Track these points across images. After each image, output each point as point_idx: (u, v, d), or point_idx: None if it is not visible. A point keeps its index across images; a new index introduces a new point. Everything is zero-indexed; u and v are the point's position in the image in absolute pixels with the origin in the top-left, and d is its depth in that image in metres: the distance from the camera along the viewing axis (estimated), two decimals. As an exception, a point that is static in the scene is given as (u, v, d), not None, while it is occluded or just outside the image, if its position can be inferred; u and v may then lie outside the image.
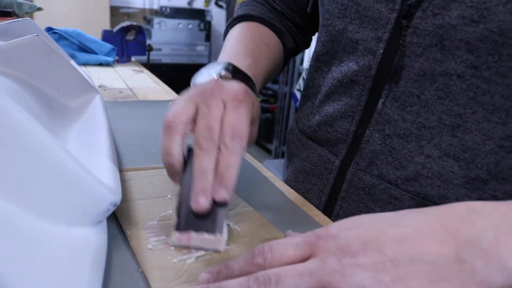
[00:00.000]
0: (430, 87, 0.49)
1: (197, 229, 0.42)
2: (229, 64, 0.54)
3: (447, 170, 0.50)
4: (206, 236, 0.42)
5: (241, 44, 0.66)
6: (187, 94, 0.48)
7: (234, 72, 0.54)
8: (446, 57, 0.47)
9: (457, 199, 0.50)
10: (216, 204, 0.43)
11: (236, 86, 0.48)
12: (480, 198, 0.49)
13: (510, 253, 0.31)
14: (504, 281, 0.31)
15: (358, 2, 0.54)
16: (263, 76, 0.65)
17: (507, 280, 0.31)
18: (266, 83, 0.70)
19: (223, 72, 0.53)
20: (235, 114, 0.45)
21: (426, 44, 0.48)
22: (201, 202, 0.42)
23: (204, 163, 0.43)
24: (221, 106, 0.46)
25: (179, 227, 0.43)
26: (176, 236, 0.43)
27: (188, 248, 0.43)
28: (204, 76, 0.54)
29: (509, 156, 0.47)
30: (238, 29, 0.71)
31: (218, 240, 0.42)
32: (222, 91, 0.47)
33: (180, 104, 0.46)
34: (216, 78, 0.52)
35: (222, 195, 0.42)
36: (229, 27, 0.75)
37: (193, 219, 0.43)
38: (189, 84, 0.55)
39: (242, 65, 0.57)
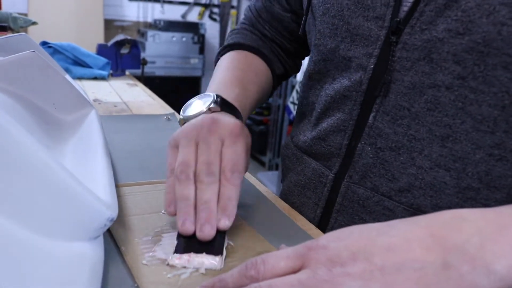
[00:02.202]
0: (420, 99, 0.50)
1: (198, 251, 0.44)
2: (218, 96, 0.57)
3: (439, 181, 0.51)
4: (205, 257, 0.44)
5: (230, 73, 0.69)
6: (185, 132, 0.51)
7: (223, 105, 0.57)
8: (434, 70, 0.48)
9: (450, 208, 0.50)
10: (217, 232, 0.46)
11: (232, 122, 0.52)
12: (472, 207, 0.50)
13: (496, 257, 0.32)
14: (491, 285, 0.32)
15: (349, 22, 0.55)
16: (250, 105, 0.67)
17: (494, 284, 0.32)
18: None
19: (212, 105, 0.56)
20: (233, 149, 0.50)
21: (415, 58, 0.50)
22: (206, 231, 0.45)
23: (207, 195, 0.46)
24: (219, 142, 0.50)
25: (179, 250, 0.45)
26: (176, 257, 0.44)
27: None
28: (194, 108, 0.57)
29: (499, 164, 0.48)
30: (227, 58, 0.74)
31: (216, 261, 0.44)
32: (218, 127, 0.51)
33: (185, 149, 0.49)
34: (205, 111, 0.55)
35: (225, 224, 0.46)
36: (219, 54, 0.78)
37: (193, 242, 0.45)
38: (182, 97, 0.57)
39: (230, 95, 0.60)
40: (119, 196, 0.56)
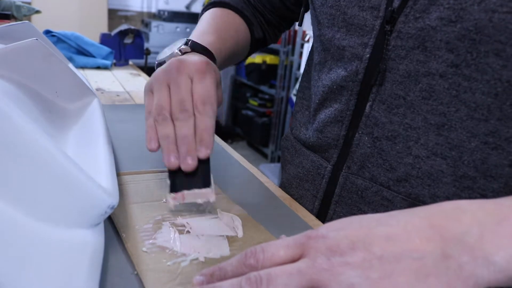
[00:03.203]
0: (415, 88, 0.50)
1: (189, 187, 0.50)
2: (189, 40, 0.60)
3: (436, 169, 0.51)
4: (197, 191, 0.50)
5: (209, 24, 0.71)
6: (157, 77, 0.54)
7: (193, 46, 0.60)
8: (428, 58, 0.49)
9: (448, 198, 0.51)
10: (200, 162, 0.50)
11: (198, 60, 0.54)
12: (470, 197, 0.50)
13: (495, 248, 0.32)
14: (490, 276, 0.32)
15: (345, 12, 0.56)
16: (226, 53, 0.69)
17: (493, 275, 0.32)
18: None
19: (183, 47, 0.59)
20: (202, 84, 0.52)
21: (409, 47, 0.50)
22: (189, 163, 0.49)
23: (184, 130, 0.50)
24: (188, 80, 0.52)
25: (173, 189, 0.50)
26: (171, 197, 0.49)
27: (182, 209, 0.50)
28: (167, 53, 0.60)
29: (494, 153, 0.48)
30: (210, 13, 0.77)
31: (207, 192, 0.50)
32: (186, 67, 0.53)
33: (159, 93, 0.52)
34: (176, 52, 0.58)
35: (205, 153, 0.50)
36: (203, 10, 0.80)
37: (183, 180, 0.50)
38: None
39: (206, 41, 0.63)
40: (120, 185, 0.56)
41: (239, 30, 0.76)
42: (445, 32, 0.47)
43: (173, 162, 0.49)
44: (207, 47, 0.62)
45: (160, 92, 0.52)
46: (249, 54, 0.84)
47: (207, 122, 0.51)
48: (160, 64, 0.59)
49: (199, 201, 0.50)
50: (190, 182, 0.50)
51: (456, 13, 0.46)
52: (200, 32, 0.68)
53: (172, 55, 0.58)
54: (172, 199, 0.49)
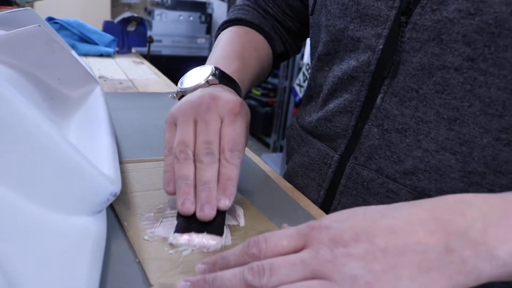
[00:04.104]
0: (428, 81, 0.50)
1: (198, 230, 0.44)
2: (216, 68, 0.57)
3: (444, 164, 0.50)
4: (207, 236, 0.44)
5: (230, 47, 0.68)
6: (183, 109, 0.50)
7: (221, 78, 0.56)
8: (444, 51, 0.48)
9: (454, 193, 0.50)
10: (217, 212, 0.46)
11: (231, 99, 0.51)
12: (477, 192, 0.49)
13: (499, 242, 0.32)
14: (493, 270, 0.32)
15: (358, 1, 0.55)
16: (250, 80, 0.67)
17: (496, 269, 0.32)
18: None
19: (211, 78, 0.55)
20: (232, 128, 0.49)
21: (425, 39, 0.49)
22: (206, 212, 0.45)
23: (207, 175, 0.46)
24: (218, 120, 0.49)
25: (180, 230, 0.44)
26: (175, 237, 0.44)
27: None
28: (191, 81, 0.56)
29: (506, 149, 0.47)
30: (228, 33, 0.73)
31: (218, 241, 0.44)
32: (217, 105, 0.50)
33: (183, 128, 0.49)
34: (203, 83, 0.55)
35: (225, 204, 0.46)
36: (219, 29, 0.78)
37: (194, 223, 0.45)
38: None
39: (229, 69, 0.60)
40: (122, 173, 0.56)
41: (260, 50, 0.73)
42: (462, 25, 0.46)
43: (188, 208, 0.45)
44: (232, 76, 0.58)
45: (184, 127, 0.49)
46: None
47: (232, 171, 0.47)
48: (184, 93, 0.56)
49: (205, 246, 0.44)
50: (200, 226, 0.45)
51: (476, 5, 0.44)
52: (221, 57, 0.65)
53: (198, 86, 0.55)
54: (178, 238, 0.44)
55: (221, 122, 0.49)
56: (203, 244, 0.43)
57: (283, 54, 0.80)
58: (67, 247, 0.36)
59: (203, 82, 0.55)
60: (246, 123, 0.52)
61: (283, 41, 0.79)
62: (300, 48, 0.84)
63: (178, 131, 0.49)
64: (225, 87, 0.56)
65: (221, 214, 0.46)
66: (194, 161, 0.47)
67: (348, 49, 0.58)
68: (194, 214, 0.45)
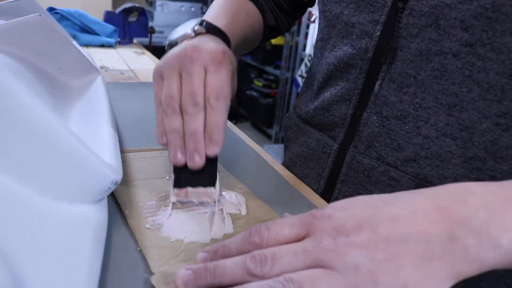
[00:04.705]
0: (426, 67, 0.49)
1: (193, 184, 0.48)
2: (204, 20, 0.56)
3: (445, 150, 0.50)
4: (201, 189, 0.48)
5: (222, 9, 0.67)
6: (168, 62, 0.50)
7: (208, 27, 0.56)
8: (441, 37, 0.48)
9: (456, 179, 0.50)
10: (208, 160, 0.47)
11: (214, 48, 0.50)
12: (478, 179, 0.49)
13: (502, 231, 0.32)
14: (496, 259, 0.32)
15: None
16: (240, 36, 0.66)
17: (499, 258, 0.32)
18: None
19: (197, 27, 0.55)
20: (216, 76, 0.48)
21: (422, 25, 0.49)
22: (195, 161, 0.46)
23: (193, 125, 0.47)
24: (202, 71, 0.48)
25: (177, 184, 0.48)
26: (175, 193, 0.47)
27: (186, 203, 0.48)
28: (179, 32, 0.56)
29: (506, 134, 0.47)
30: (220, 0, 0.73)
31: (212, 192, 0.48)
32: (200, 55, 0.49)
33: (169, 81, 0.49)
34: (189, 33, 0.54)
35: (214, 151, 0.47)
36: None
37: (188, 176, 0.47)
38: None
39: (219, 23, 0.59)
40: (124, 162, 0.56)
41: (252, 15, 0.73)
42: (460, 10, 0.46)
43: (179, 159, 0.47)
44: (221, 28, 0.58)
45: (170, 80, 0.49)
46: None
47: (218, 118, 0.47)
48: (171, 45, 0.55)
49: (202, 200, 0.48)
50: (195, 179, 0.48)
51: None
52: (212, 15, 0.64)
53: (185, 36, 0.55)
54: (175, 195, 0.48)
55: (205, 71, 0.49)
56: (199, 197, 0.47)
57: (274, 28, 0.80)
58: (68, 236, 0.36)
59: (189, 31, 0.55)
60: (230, 71, 0.51)
61: (275, 16, 0.78)
62: (291, 26, 0.84)
63: (164, 85, 0.49)
64: (212, 36, 0.55)
65: (212, 164, 0.48)
66: (181, 112, 0.48)
67: (341, 35, 0.57)
68: (189, 170, 0.47)
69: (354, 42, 0.56)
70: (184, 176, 0.48)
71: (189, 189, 0.47)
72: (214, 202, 0.48)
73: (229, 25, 0.61)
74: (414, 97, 0.51)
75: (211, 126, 0.47)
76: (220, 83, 0.48)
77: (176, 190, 0.47)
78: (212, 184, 0.48)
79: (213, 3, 0.72)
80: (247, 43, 0.72)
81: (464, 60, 0.47)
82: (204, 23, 0.56)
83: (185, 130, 0.47)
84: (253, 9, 0.74)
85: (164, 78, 0.49)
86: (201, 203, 0.49)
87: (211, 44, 0.51)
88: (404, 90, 0.52)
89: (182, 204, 0.48)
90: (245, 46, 0.71)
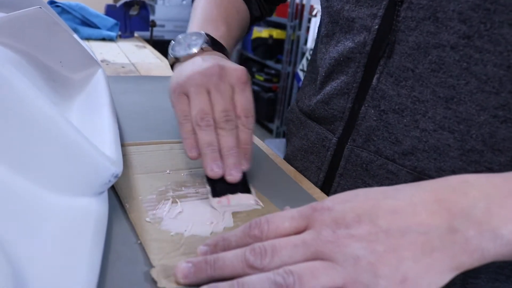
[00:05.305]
0: (424, 60, 0.49)
1: (232, 192, 0.49)
2: (207, 35, 0.59)
3: (443, 143, 0.50)
4: (241, 195, 0.50)
5: (214, 10, 0.69)
6: (194, 80, 0.51)
7: (213, 45, 0.59)
8: (439, 29, 0.48)
9: (454, 172, 0.50)
10: None
11: (238, 68, 0.53)
12: (476, 171, 0.49)
13: (502, 222, 0.32)
14: (497, 250, 0.32)
15: None
16: (233, 44, 0.69)
17: (499, 248, 0.32)
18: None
19: (204, 46, 0.58)
20: (244, 95, 0.52)
21: (420, 18, 0.49)
22: (235, 175, 0.49)
23: (231, 141, 0.49)
24: (230, 89, 0.51)
25: (216, 194, 0.49)
26: (216, 201, 0.48)
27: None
28: (184, 49, 0.58)
29: (503, 126, 0.47)
30: None
31: (250, 198, 0.50)
32: (227, 75, 0.52)
33: (199, 97, 0.51)
34: (197, 51, 0.57)
35: (247, 167, 0.50)
36: None
37: (225, 185, 0.49)
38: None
39: (216, 33, 0.62)
40: (124, 155, 0.56)
41: (241, 12, 0.75)
42: (458, 2, 0.46)
43: (216, 172, 0.48)
44: (220, 41, 0.61)
45: (200, 96, 0.50)
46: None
47: (249, 135, 0.51)
48: (176, 59, 0.58)
49: (244, 204, 0.49)
50: (231, 187, 0.50)
51: None
52: (207, 20, 0.66)
53: (193, 53, 0.57)
54: (217, 203, 0.48)
55: (232, 91, 0.51)
56: (241, 201, 0.49)
57: (257, 18, 0.82)
58: (69, 228, 0.36)
59: (196, 51, 0.57)
60: (252, 90, 0.54)
61: (259, 5, 0.80)
62: (272, 12, 0.86)
63: (193, 101, 0.51)
64: (218, 53, 0.59)
65: (244, 175, 0.51)
66: (215, 128, 0.50)
67: (343, 30, 0.58)
68: (221, 179, 0.49)
69: (354, 36, 0.56)
70: (220, 186, 0.50)
71: (230, 195, 0.49)
72: (257, 202, 0.50)
73: (226, 36, 0.65)
74: (411, 90, 0.51)
75: (244, 143, 0.50)
76: (248, 102, 0.52)
77: (217, 199, 0.49)
78: (248, 191, 0.51)
79: None
80: (236, 43, 0.74)
81: (462, 52, 0.47)
82: (209, 40, 0.59)
83: (222, 146, 0.49)
84: (241, 3, 0.76)
85: (191, 95, 0.51)
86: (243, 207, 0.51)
87: (231, 63, 0.54)
88: (402, 84, 0.52)
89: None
90: (234, 46, 0.74)
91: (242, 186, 0.50)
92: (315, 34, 0.70)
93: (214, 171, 0.48)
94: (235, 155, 0.49)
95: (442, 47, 0.48)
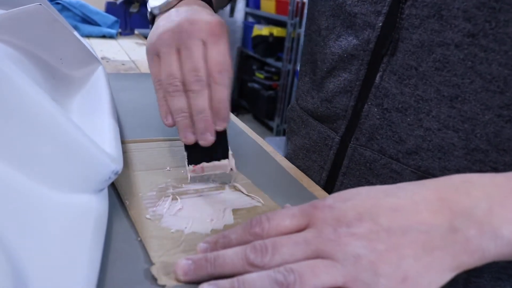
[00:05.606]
0: (428, 58, 0.49)
1: (207, 159, 0.49)
2: None
3: (447, 142, 0.50)
4: (216, 163, 0.49)
5: None
6: (164, 39, 0.48)
7: None
8: (444, 27, 0.47)
9: (458, 171, 0.50)
10: (218, 134, 0.48)
11: (209, 20, 0.48)
12: (481, 171, 0.49)
13: (503, 222, 0.32)
14: (497, 250, 0.32)
15: None
16: None
17: (500, 248, 0.32)
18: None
19: None
20: (217, 49, 0.47)
21: (424, 16, 0.48)
22: (207, 139, 0.47)
23: (200, 103, 0.46)
24: (201, 45, 0.47)
25: (191, 161, 0.49)
26: (190, 169, 0.49)
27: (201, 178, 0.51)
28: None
29: (508, 125, 0.47)
30: None
31: (226, 164, 0.49)
32: (198, 29, 0.47)
33: (168, 58, 0.48)
34: (175, 1, 0.52)
35: (223, 126, 0.48)
36: None
37: (201, 152, 0.49)
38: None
39: None
40: (124, 152, 0.56)
41: None
42: (463, 0, 0.45)
43: (190, 138, 0.47)
44: None
45: (168, 57, 0.47)
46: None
47: (223, 92, 0.47)
48: (153, 13, 0.54)
49: (218, 172, 0.49)
50: (208, 154, 0.49)
51: None
52: None
53: (169, 4, 0.52)
54: (191, 172, 0.48)
55: (204, 45, 0.47)
56: (215, 169, 0.49)
57: None
58: (69, 225, 0.36)
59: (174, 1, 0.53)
60: (228, 42, 0.50)
61: None
62: None
63: (162, 63, 0.48)
64: (200, 2, 0.54)
65: (222, 137, 0.49)
66: (185, 90, 0.47)
67: (345, 25, 0.57)
68: (200, 147, 0.48)
69: (357, 33, 0.55)
70: (197, 153, 0.49)
71: (204, 164, 0.49)
72: (231, 169, 0.49)
73: None
74: (415, 89, 0.51)
75: (217, 101, 0.47)
76: (221, 56, 0.47)
77: (191, 167, 0.49)
78: (225, 156, 0.50)
79: None
80: (222, 3, 0.71)
81: (466, 51, 0.46)
82: None
83: (192, 109, 0.47)
84: None
85: (161, 56, 0.48)
86: (214, 181, 0.52)
87: (205, 15, 0.49)
88: (405, 82, 0.51)
89: (198, 181, 0.51)
90: (219, 5, 0.70)
91: (220, 151, 0.49)
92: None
93: (188, 138, 0.48)
94: (206, 119, 0.47)
95: (446, 45, 0.47)
